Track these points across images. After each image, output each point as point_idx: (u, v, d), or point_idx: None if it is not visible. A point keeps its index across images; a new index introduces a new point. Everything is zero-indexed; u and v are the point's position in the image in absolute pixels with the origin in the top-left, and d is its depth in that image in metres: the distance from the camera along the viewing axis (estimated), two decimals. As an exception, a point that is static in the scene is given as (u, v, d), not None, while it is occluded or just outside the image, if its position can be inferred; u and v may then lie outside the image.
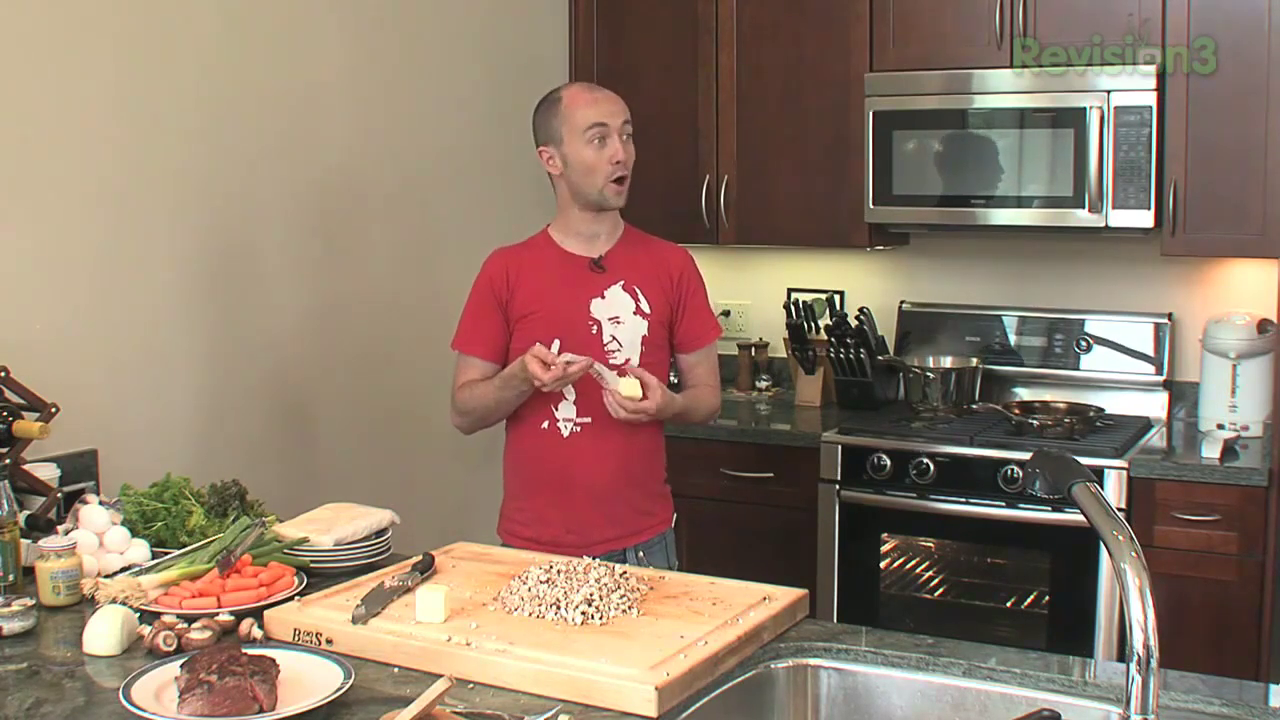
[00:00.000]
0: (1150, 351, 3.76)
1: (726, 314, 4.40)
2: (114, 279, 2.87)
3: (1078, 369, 3.84)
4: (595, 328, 2.66)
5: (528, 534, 2.68)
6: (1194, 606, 3.21)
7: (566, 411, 2.66)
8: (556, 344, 2.58)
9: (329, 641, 1.87)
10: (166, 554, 2.21)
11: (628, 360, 2.65)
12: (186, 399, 3.04)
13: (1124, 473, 3.28)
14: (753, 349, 4.27)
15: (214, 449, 3.06)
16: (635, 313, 2.68)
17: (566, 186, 2.69)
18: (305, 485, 3.21)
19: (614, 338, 2.66)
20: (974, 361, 3.88)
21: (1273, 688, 1.81)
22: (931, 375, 3.83)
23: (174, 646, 1.82)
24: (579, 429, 2.66)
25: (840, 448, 3.59)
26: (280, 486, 2.95)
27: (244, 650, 1.66)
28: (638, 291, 2.70)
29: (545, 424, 2.67)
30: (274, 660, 1.66)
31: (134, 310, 2.91)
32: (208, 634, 1.85)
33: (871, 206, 3.77)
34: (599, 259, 2.70)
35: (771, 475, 3.72)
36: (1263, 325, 3.45)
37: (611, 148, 2.63)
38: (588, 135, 2.62)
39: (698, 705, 1.72)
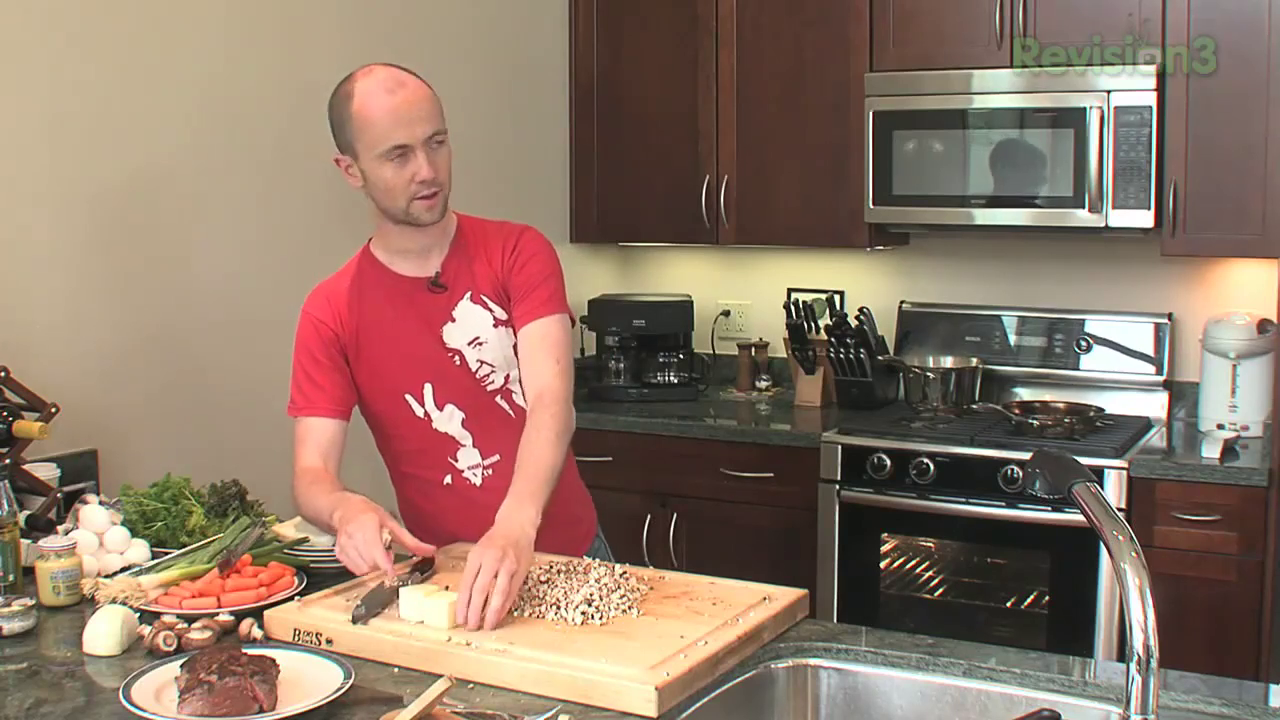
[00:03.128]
0: (1150, 351, 3.76)
1: (727, 314, 4.40)
2: (114, 279, 2.87)
3: (1078, 369, 3.84)
4: (458, 359, 2.26)
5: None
6: (1194, 606, 3.21)
7: (470, 458, 2.30)
8: (443, 407, 2.25)
9: (329, 641, 1.86)
10: (166, 554, 2.21)
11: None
12: (187, 399, 3.04)
13: (1124, 473, 3.27)
14: (753, 349, 4.27)
15: (214, 449, 3.06)
16: (495, 325, 2.27)
17: (372, 201, 2.25)
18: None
19: (482, 362, 2.27)
20: (974, 361, 3.88)
21: (1273, 688, 1.80)
22: (931, 375, 3.83)
23: (174, 646, 1.82)
24: (490, 471, 2.29)
25: (840, 448, 3.59)
26: (280, 486, 2.94)
27: (244, 650, 1.66)
28: (486, 300, 2.27)
29: (448, 479, 2.30)
30: (274, 660, 1.66)
31: (134, 310, 2.91)
32: (208, 634, 1.85)
33: (871, 206, 3.77)
34: (436, 276, 2.27)
35: (771, 475, 3.72)
36: (1263, 325, 3.45)
37: (413, 166, 2.15)
38: (385, 155, 2.15)
39: (698, 705, 1.72)
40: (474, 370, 2.28)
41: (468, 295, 2.28)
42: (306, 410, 2.29)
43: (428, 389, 2.28)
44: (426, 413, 2.29)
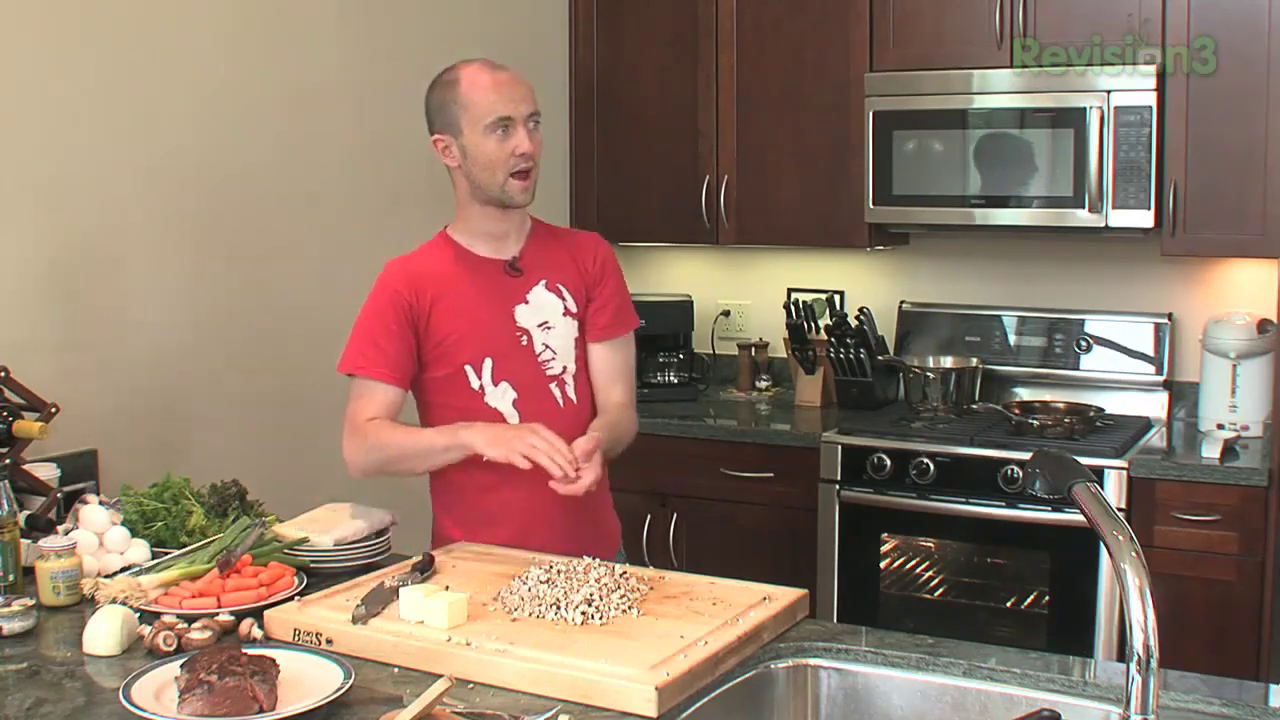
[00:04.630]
0: (1150, 351, 3.76)
1: (727, 314, 4.40)
2: (114, 279, 2.87)
3: (1078, 369, 3.84)
4: (525, 338, 2.38)
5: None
6: (1194, 606, 3.21)
7: None
8: (497, 383, 2.36)
9: (329, 641, 1.87)
10: (166, 554, 2.21)
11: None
12: (187, 399, 3.04)
13: (1124, 473, 3.27)
14: (753, 349, 4.27)
15: (214, 449, 3.06)
16: (565, 314, 2.42)
17: (465, 181, 2.37)
18: (305, 485, 3.21)
19: (546, 346, 2.40)
20: (974, 361, 3.88)
21: (1273, 688, 1.80)
22: (931, 375, 3.83)
23: (174, 646, 1.82)
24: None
25: (840, 448, 3.59)
26: (280, 487, 2.94)
27: (244, 650, 1.66)
28: (562, 289, 2.42)
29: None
30: (274, 660, 1.66)
31: (134, 310, 2.91)
32: (208, 634, 1.85)
33: (871, 206, 3.77)
34: (514, 260, 2.42)
35: (771, 475, 3.72)
36: (1263, 325, 3.45)
37: (515, 139, 2.31)
38: (490, 127, 2.30)
39: (698, 705, 1.72)
40: (537, 353, 2.40)
41: (543, 282, 2.42)
42: (365, 370, 2.36)
43: (487, 363, 2.37)
44: (481, 385, 2.37)
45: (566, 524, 2.35)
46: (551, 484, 2.16)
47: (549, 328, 2.41)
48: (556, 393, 2.41)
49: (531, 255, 2.43)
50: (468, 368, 2.37)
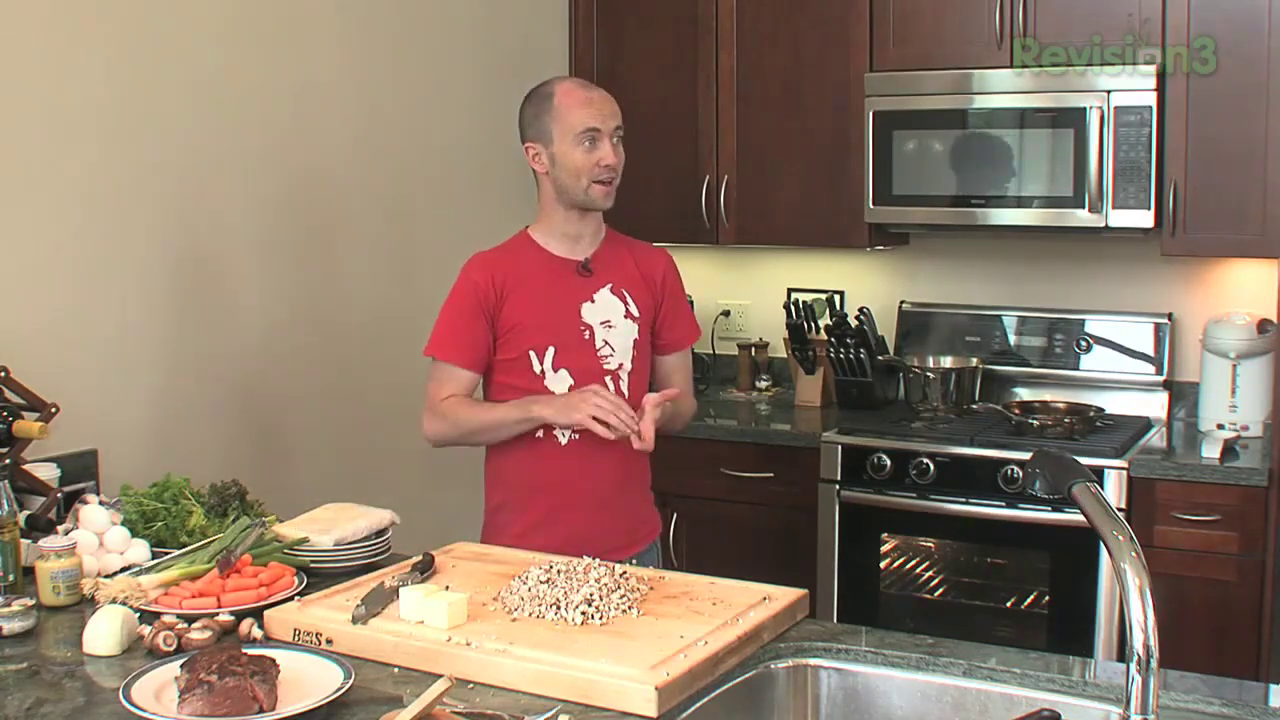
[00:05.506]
0: (1150, 351, 3.76)
1: (727, 314, 4.40)
2: (114, 279, 2.87)
3: (1078, 369, 3.84)
4: (588, 333, 2.60)
5: (521, 547, 2.54)
6: (1194, 606, 3.21)
7: None
8: (557, 370, 2.57)
9: (329, 641, 1.87)
10: (166, 554, 2.21)
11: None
12: (187, 399, 3.04)
13: (1124, 473, 3.27)
14: (753, 349, 4.27)
15: (214, 449, 3.06)
16: (626, 316, 2.63)
17: (551, 185, 2.61)
18: (305, 485, 3.21)
19: (606, 342, 2.61)
20: (974, 361, 3.88)
21: (1273, 688, 1.81)
22: (931, 375, 3.83)
23: (174, 646, 1.82)
24: (576, 435, 2.56)
25: (840, 448, 3.59)
26: (280, 487, 2.95)
27: (244, 650, 1.66)
28: (626, 294, 2.64)
29: (539, 432, 2.57)
30: (274, 660, 1.66)
31: (134, 310, 2.91)
32: (208, 634, 1.85)
33: (871, 206, 3.77)
34: (586, 261, 2.64)
35: (771, 475, 3.72)
36: (1263, 325, 3.45)
37: (601, 150, 2.57)
38: (579, 138, 2.55)
39: (698, 705, 1.72)
40: (597, 348, 2.60)
41: (609, 285, 2.63)
42: (444, 355, 2.61)
43: (550, 351, 2.58)
44: (543, 370, 2.58)
45: (602, 503, 2.60)
46: (634, 444, 2.45)
47: (610, 326, 2.62)
48: (610, 386, 2.59)
49: (602, 259, 2.65)
50: (532, 353, 2.58)
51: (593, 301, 2.61)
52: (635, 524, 2.68)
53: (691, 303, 4.19)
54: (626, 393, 2.61)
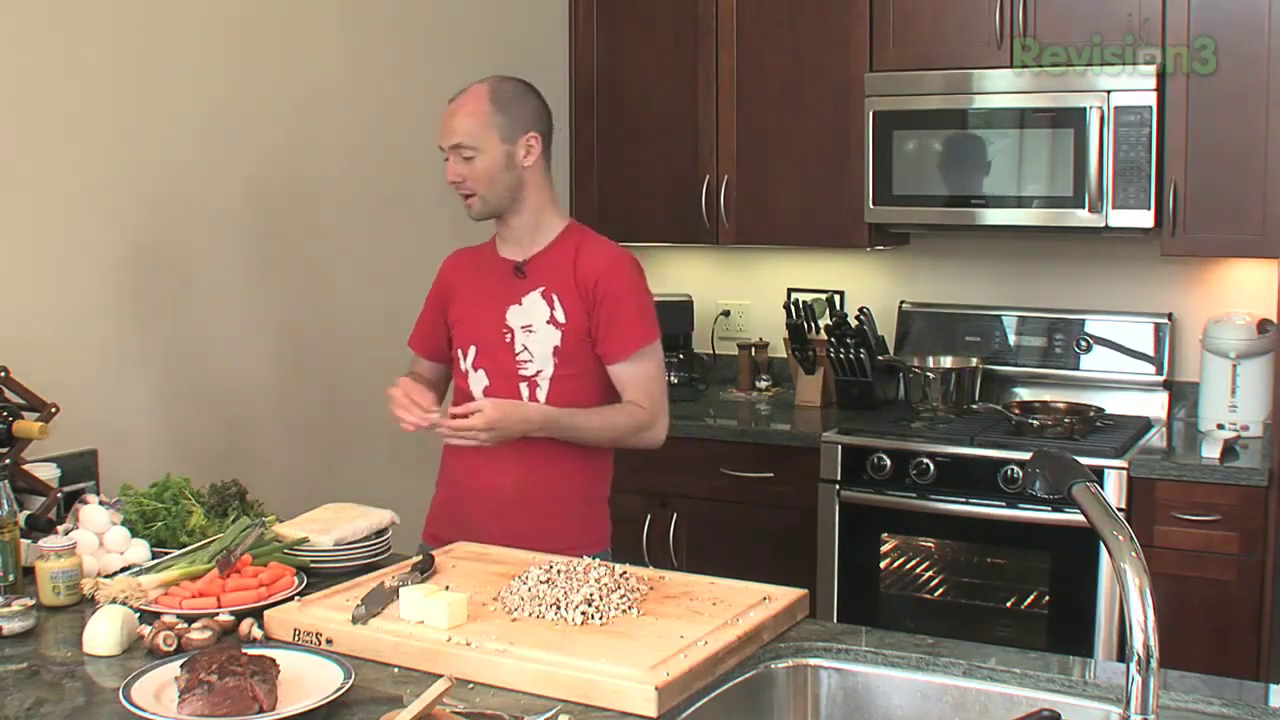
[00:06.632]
0: (1150, 351, 3.76)
1: (727, 314, 4.40)
2: (115, 279, 2.87)
3: (1078, 369, 3.84)
4: (508, 336, 2.55)
5: (435, 531, 2.61)
6: (1194, 606, 3.21)
7: None
8: (476, 369, 2.58)
9: (329, 641, 1.87)
10: (166, 554, 2.21)
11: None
12: (187, 399, 3.04)
13: (1124, 473, 3.27)
14: (753, 349, 4.27)
15: (214, 449, 3.06)
16: (549, 322, 2.54)
17: None
18: (305, 486, 3.21)
19: (525, 347, 2.54)
20: (974, 361, 3.88)
21: (1273, 688, 1.81)
22: (931, 375, 3.83)
23: (174, 646, 1.82)
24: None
25: (840, 448, 3.59)
26: (280, 486, 2.95)
27: (244, 650, 1.66)
28: (555, 299, 2.54)
29: None
30: (274, 660, 1.66)
31: (135, 310, 2.91)
32: (208, 634, 1.85)
33: (871, 206, 3.77)
34: (520, 263, 2.59)
35: (771, 475, 3.72)
36: (1263, 325, 3.45)
37: (447, 169, 2.54)
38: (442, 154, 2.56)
39: (698, 705, 1.72)
40: (516, 352, 2.56)
41: (540, 289, 2.57)
42: (410, 341, 2.77)
43: (472, 350, 2.61)
44: (466, 369, 2.62)
45: (503, 505, 2.53)
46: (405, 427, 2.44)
47: (531, 331, 2.55)
48: (525, 391, 2.55)
49: (541, 261, 2.59)
50: (459, 350, 2.63)
51: (520, 304, 2.56)
52: (542, 536, 2.40)
53: (692, 305, 4.27)
54: (543, 400, 2.52)
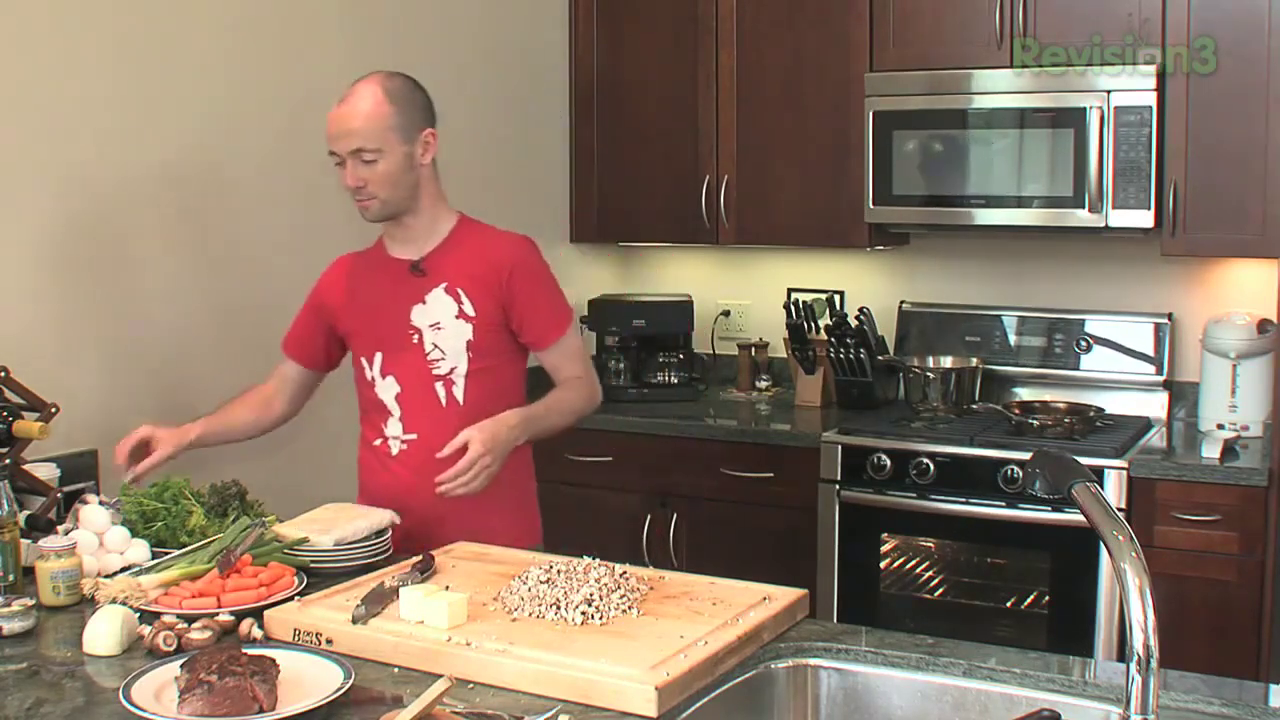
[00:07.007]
0: (1150, 351, 3.76)
1: (727, 314, 4.40)
2: (115, 279, 2.87)
3: (1078, 369, 3.84)
4: (416, 336, 2.50)
5: None
6: (1194, 606, 3.21)
7: (394, 429, 2.53)
8: (385, 376, 2.52)
9: (329, 641, 1.87)
10: (166, 554, 2.21)
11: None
12: (188, 399, 3.03)
13: (1124, 473, 3.27)
14: (753, 349, 4.27)
15: (214, 449, 3.06)
16: (458, 316, 2.49)
17: None
18: (305, 485, 3.21)
19: (436, 345, 2.50)
20: (974, 361, 3.88)
21: (1273, 688, 1.80)
22: (931, 375, 3.83)
23: (174, 646, 1.82)
24: (406, 446, 2.52)
25: (840, 448, 3.59)
26: (281, 487, 2.94)
27: (244, 650, 1.66)
28: (461, 294, 2.49)
29: (377, 440, 2.56)
30: (274, 660, 1.66)
31: (134, 310, 2.91)
32: (208, 634, 1.85)
33: (871, 206, 3.77)
34: (417, 261, 2.53)
35: (771, 475, 3.72)
36: (1263, 325, 3.45)
37: (344, 174, 2.45)
38: (332, 160, 2.47)
39: (698, 705, 1.72)
40: (426, 351, 2.50)
41: (443, 285, 2.51)
42: (284, 345, 2.68)
43: (378, 357, 2.53)
44: (373, 377, 2.55)
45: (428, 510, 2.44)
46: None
47: (440, 328, 2.50)
48: (441, 391, 2.51)
49: (439, 258, 2.54)
50: (363, 359, 2.56)
51: (424, 303, 2.50)
52: (486, 534, 2.38)
53: (692, 305, 4.26)
54: (461, 399, 2.49)
